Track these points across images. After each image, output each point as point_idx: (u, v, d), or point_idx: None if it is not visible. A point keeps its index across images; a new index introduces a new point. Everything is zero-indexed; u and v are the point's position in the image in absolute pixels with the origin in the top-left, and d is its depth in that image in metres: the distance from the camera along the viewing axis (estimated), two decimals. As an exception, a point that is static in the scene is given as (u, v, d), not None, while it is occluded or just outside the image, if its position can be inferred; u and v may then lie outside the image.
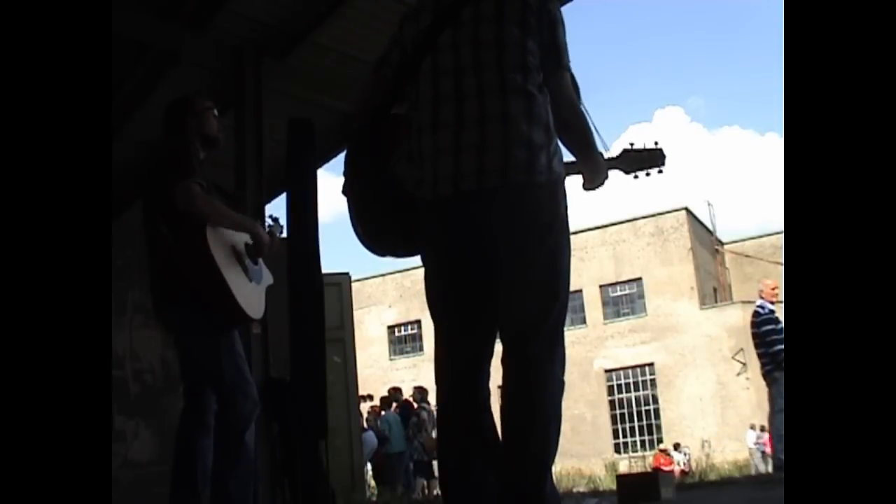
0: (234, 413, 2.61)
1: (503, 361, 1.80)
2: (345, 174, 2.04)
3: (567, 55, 1.91)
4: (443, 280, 1.89)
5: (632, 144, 2.34)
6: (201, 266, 2.53)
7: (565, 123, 1.89)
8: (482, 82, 1.83)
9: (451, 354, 1.87)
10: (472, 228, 1.82)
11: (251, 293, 2.71)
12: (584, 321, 24.43)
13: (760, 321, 6.42)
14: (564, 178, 1.89)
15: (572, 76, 1.94)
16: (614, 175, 2.19)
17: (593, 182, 2.06)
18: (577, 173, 2.04)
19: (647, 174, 2.37)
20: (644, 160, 2.35)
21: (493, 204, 1.78)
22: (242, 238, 2.78)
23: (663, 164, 2.36)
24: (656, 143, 2.37)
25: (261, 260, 2.90)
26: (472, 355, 1.86)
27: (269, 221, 3.21)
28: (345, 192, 2.03)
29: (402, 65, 1.97)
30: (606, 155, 2.12)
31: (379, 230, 2.02)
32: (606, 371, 23.96)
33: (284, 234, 3.34)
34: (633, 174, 2.35)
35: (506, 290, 1.81)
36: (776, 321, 6.34)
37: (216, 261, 2.53)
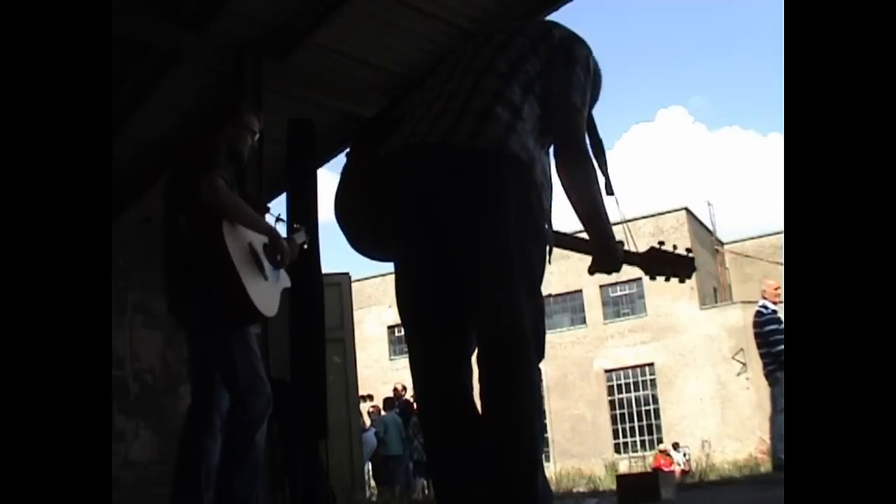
0: (247, 414, 2.58)
1: (478, 356, 1.70)
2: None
3: (577, 94, 1.82)
4: (403, 258, 1.85)
5: (661, 244, 2.11)
6: (215, 258, 2.51)
7: (565, 168, 1.79)
8: (471, 67, 1.89)
9: (430, 352, 1.78)
10: (409, 179, 1.79)
11: (265, 291, 2.68)
12: (584, 321, 24.43)
13: (764, 321, 6.43)
14: (534, 168, 1.76)
15: (598, 136, 1.88)
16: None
17: (600, 264, 1.86)
18: (585, 252, 1.82)
19: (667, 280, 2.13)
20: (667, 265, 2.10)
21: (430, 160, 1.76)
22: (261, 237, 2.75)
23: (689, 276, 2.12)
24: (688, 251, 2.15)
25: None
26: (452, 349, 1.77)
27: (274, 222, 3.16)
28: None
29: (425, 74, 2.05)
30: (621, 216, 1.90)
31: (356, 222, 1.97)
32: (606, 371, 23.96)
33: (303, 241, 3.22)
34: (651, 276, 2.11)
35: (460, 269, 1.73)
36: (779, 321, 6.36)
37: (231, 254, 2.51)
